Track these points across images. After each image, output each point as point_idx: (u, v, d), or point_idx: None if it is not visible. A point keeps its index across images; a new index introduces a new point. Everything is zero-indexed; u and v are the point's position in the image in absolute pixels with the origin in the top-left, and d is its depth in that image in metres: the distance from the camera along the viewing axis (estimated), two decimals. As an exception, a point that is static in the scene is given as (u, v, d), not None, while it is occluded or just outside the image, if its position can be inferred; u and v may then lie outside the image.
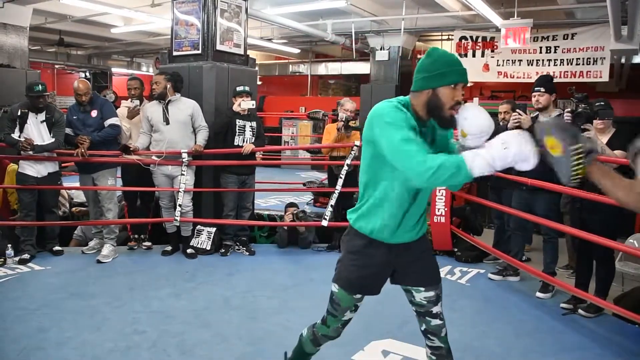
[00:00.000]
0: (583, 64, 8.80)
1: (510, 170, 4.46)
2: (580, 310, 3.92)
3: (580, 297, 3.90)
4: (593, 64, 8.69)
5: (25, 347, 3.18)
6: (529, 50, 9.10)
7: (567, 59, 8.93)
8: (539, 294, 4.32)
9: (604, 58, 8.57)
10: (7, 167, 5.44)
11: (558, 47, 8.99)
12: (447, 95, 2.01)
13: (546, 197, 4.35)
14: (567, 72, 8.94)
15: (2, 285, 4.32)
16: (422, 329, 2.28)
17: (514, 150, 1.79)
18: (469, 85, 13.84)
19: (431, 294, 2.23)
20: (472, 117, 2.00)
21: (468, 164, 1.82)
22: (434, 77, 2.02)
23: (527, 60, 9.29)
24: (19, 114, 4.83)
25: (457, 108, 2.02)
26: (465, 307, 4.08)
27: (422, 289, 2.23)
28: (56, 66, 17.05)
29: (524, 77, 9.29)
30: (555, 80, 8.96)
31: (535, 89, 4.42)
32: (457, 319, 3.73)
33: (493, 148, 1.82)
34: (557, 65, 9.04)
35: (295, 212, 5.55)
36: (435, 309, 2.24)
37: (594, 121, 3.93)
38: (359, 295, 2.29)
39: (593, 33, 8.58)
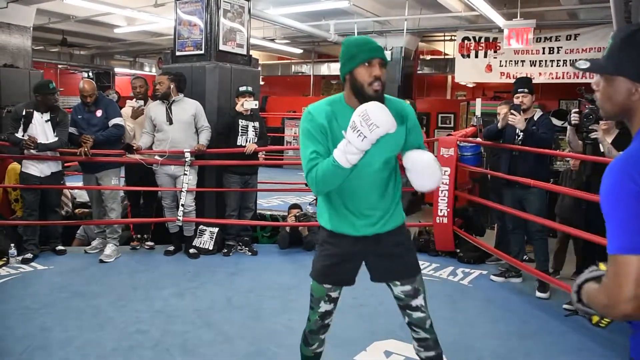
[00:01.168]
0: (586, 65, 8.78)
1: (502, 168, 4.48)
2: (583, 312, 3.91)
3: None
4: (596, 65, 8.67)
5: (29, 346, 3.19)
6: (531, 51, 9.09)
7: (570, 60, 8.91)
8: (538, 294, 4.32)
9: (607, 59, 8.56)
10: (9, 166, 5.46)
11: (561, 47, 8.98)
12: (363, 74, 2.04)
13: (537, 194, 4.35)
14: (570, 72, 8.92)
15: (5, 284, 4.34)
16: (406, 321, 2.31)
17: (381, 129, 1.86)
18: (470, 85, 13.89)
19: (407, 287, 2.24)
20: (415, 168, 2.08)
21: (340, 161, 1.93)
22: (347, 62, 2.08)
23: (530, 61, 9.27)
24: (23, 113, 4.85)
25: (378, 84, 2.04)
26: (467, 308, 4.08)
27: (398, 282, 2.25)
28: (59, 66, 17.09)
29: (527, 78, 9.28)
30: (558, 81, 9.05)
31: (519, 90, 4.43)
32: (460, 320, 3.74)
33: (351, 140, 1.89)
34: (560, 66, 9.02)
35: (297, 214, 5.55)
36: (414, 302, 2.25)
37: (600, 122, 3.92)
38: (328, 285, 2.31)
39: (596, 34, 8.56)
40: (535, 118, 4.43)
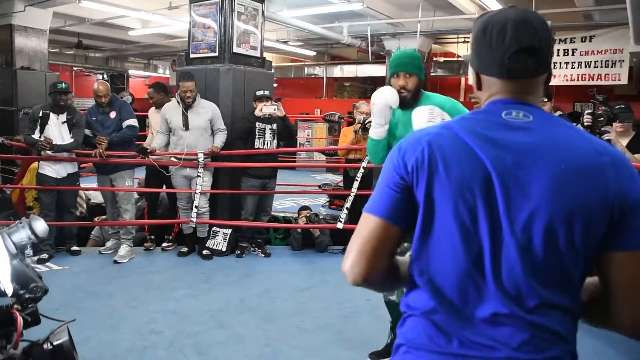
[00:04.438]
0: (601, 67, 8.71)
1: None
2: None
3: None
4: (612, 67, 8.60)
5: (44, 345, 3.22)
6: (545, 52, 9.03)
7: (585, 62, 8.85)
8: None
9: (623, 61, 8.48)
10: (30, 165, 5.52)
11: (576, 49, 8.92)
12: (394, 84, 2.74)
13: None
14: (585, 74, 8.86)
15: (21, 284, 4.38)
16: None
17: (377, 105, 2.67)
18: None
19: None
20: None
21: (371, 135, 2.79)
22: (389, 73, 2.83)
23: (545, 63, 9.21)
24: (40, 115, 4.90)
25: (402, 91, 2.70)
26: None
27: None
28: (74, 68, 17.28)
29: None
30: (573, 83, 9.01)
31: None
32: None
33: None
34: (575, 68, 8.97)
35: (308, 214, 5.55)
36: None
37: (614, 124, 3.89)
38: None
39: (612, 35, 8.50)
40: None
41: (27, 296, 1.57)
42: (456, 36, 11.97)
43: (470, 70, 1.19)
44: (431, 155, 1.05)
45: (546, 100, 4.34)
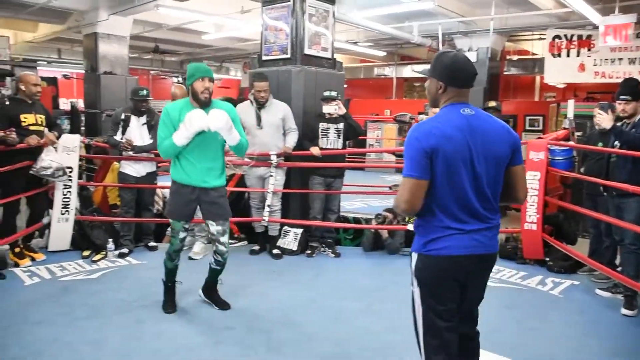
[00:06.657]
0: None
1: (600, 174, 4.24)
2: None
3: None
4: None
5: (126, 337, 3.38)
6: (630, 47, 8.54)
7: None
8: (624, 311, 3.98)
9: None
10: (112, 165, 5.83)
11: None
12: (198, 86, 3.42)
13: (636, 202, 4.01)
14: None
15: (104, 276, 4.62)
16: (214, 249, 3.72)
17: (194, 128, 3.31)
18: (560, 86, 13.29)
19: (219, 228, 3.62)
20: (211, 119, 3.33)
21: (175, 142, 3.39)
22: (188, 78, 3.45)
23: (629, 59, 8.70)
24: (122, 117, 5.16)
25: (206, 93, 3.43)
26: (556, 319, 3.89)
27: (214, 223, 3.61)
28: (152, 72, 18.01)
29: (624, 77, 8.71)
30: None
31: (622, 97, 4.09)
32: (547, 332, 3.58)
33: (181, 130, 3.37)
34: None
35: (379, 215, 5.56)
36: (222, 239, 3.65)
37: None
38: (183, 222, 3.63)
39: None
40: (637, 120, 4.13)
41: None
42: (531, 33, 11.56)
43: (435, 81, 2.16)
44: (440, 139, 2.02)
45: (630, 99, 4.10)
